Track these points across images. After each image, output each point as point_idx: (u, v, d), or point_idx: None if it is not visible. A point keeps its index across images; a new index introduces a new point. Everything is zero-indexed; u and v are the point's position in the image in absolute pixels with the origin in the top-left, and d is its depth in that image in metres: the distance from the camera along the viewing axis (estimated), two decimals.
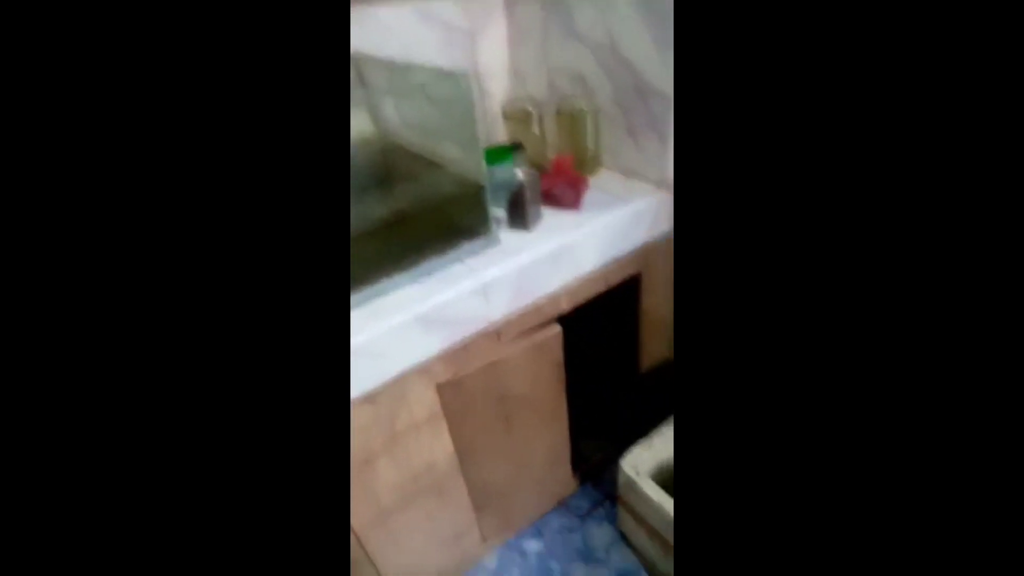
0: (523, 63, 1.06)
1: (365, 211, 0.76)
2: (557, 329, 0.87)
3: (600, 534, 1.12)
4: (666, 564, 0.94)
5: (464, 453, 0.88)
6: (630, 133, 0.91)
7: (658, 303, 1.03)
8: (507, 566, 1.09)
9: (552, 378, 0.93)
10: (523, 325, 0.83)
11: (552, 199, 0.87)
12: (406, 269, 0.75)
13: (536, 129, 0.95)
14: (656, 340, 1.09)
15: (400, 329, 0.70)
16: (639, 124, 0.89)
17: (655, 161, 0.89)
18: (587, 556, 1.09)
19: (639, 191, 0.91)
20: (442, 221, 0.81)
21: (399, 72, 0.81)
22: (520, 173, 0.79)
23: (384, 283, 0.73)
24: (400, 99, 0.88)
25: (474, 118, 0.70)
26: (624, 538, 1.09)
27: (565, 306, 0.87)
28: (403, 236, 0.77)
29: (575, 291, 0.87)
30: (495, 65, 1.07)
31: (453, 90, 0.71)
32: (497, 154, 0.83)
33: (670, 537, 0.87)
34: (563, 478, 1.13)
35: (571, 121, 0.93)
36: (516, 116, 0.95)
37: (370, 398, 0.72)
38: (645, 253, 0.94)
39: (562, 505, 1.18)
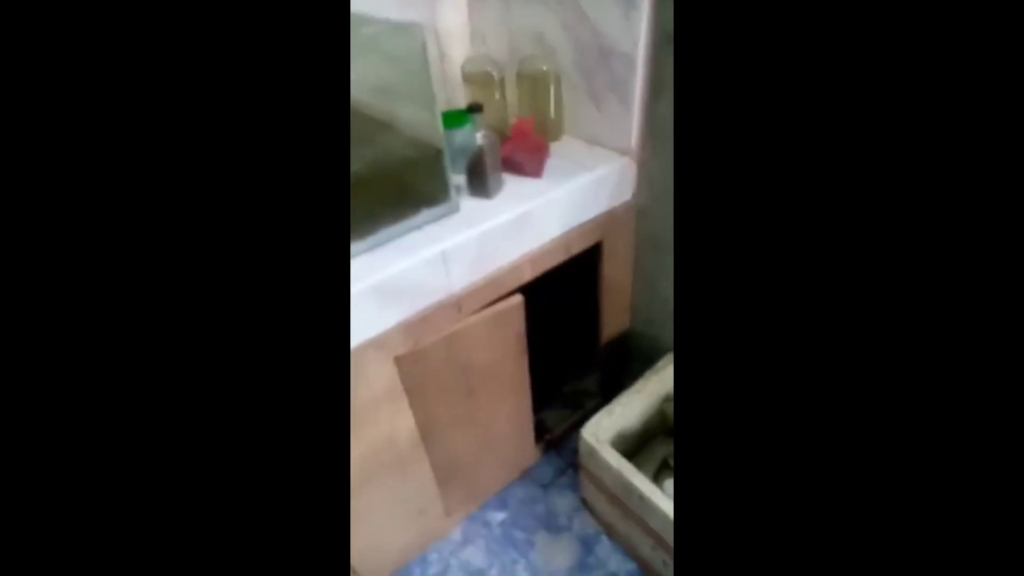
0: (483, 22, 1.01)
1: None
2: (519, 299, 0.86)
3: (563, 502, 1.14)
4: (626, 528, 0.96)
5: (426, 427, 0.86)
6: (592, 97, 0.89)
7: (619, 271, 1.03)
8: (472, 538, 1.09)
9: (514, 349, 0.92)
10: (484, 296, 0.81)
11: (514, 166, 0.84)
12: (361, 238, 0.71)
13: (497, 94, 0.91)
14: (617, 309, 1.10)
15: (355, 300, 0.67)
16: (601, 88, 0.87)
17: (617, 127, 0.88)
18: (550, 524, 1.10)
19: (602, 158, 0.89)
20: (399, 188, 0.77)
21: (350, 24, 0.75)
22: (480, 137, 0.75)
23: None
24: (353, 57, 0.82)
25: (429, 74, 0.66)
26: (586, 505, 1.11)
27: (527, 276, 0.86)
28: (358, 204, 0.73)
29: (537, 260, 0.85)
30: (455, 26, 1.02)
31: (407, 44, 0.67)
32: (455, 118, 0.79)
33: (629, 502, 0.89)
34: (526, 449, 1.14)
35: (532, 84, 0.90)
36: (477, 79, 0.91)
37: None
38: (607, 221, 0.93)
39: (525, 476, 1.19)
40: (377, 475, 0.84)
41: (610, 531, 1.05)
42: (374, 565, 0.98)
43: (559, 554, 1.05)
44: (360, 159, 0.74)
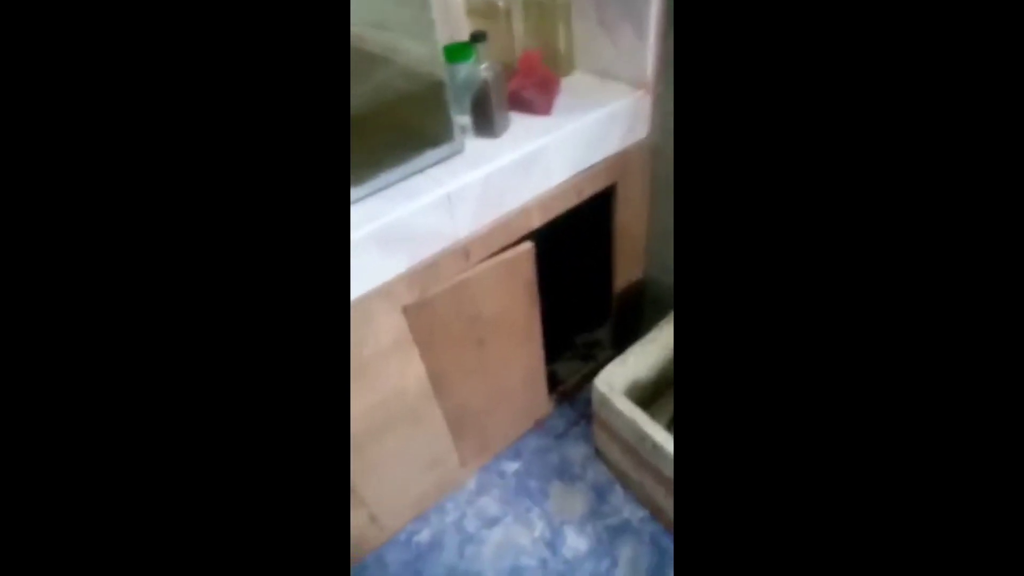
0: None
1: None
2: (528, 246, 0.82)
3: (576, 452, 1.14)
4: (638, 475, 0.96)
5: (437, 377, 0.85)
6: (604, 27, 0.82)
7: (633, 216, 0.99)
8: (487, 487, 1.10)
9: (524, 298, 0.89)
10: (492, 242, 0.78)
11: (521, 104, 0.79)
12: (362, 182, 0.68)
13: (503, 25, 0.85)
14: (631, 256, 1.06)
15: (357, 247, 0.64)
16: (614, 16, 0.80)
17: (631, 58, 0.82)
18: (563, 473, 1.11)
19: (615, 93, 0.83)
20: (401, 129, 0.73)
21: None
22: (484, 70, 0.70)
23: None
24: None
25: (427, 0, 0.61)
26: (599, 454, 1.11)
27: (536, 221, 0.82)
28: (358, 147, 0.69)
29: (546, 204, 0.82)
30: None
31: None
32: (458, 51, 0.73)
33: (642, 450, 0.89)
34: (539, 399, 1.13)
35: (540, 13, 0.84)
36: (480, 10, 0.85)
37: None
38: (621, 161, 0.88)
39: (538, 426, 1.19)
40: (390, 426, 0.84)
41: (623, 480, 1.06)
42: (392, 514, 0.99)
43: (573, 502, 1.06)
44: (359, 99, 0.70)
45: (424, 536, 1.05)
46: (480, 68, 0.71)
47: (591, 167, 0.84)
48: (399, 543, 1.04)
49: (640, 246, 1.07)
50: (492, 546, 1.02)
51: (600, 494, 1.07)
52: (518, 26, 0.88)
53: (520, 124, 0.78)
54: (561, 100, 0.82)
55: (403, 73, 0.72)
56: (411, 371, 0.81)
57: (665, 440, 0.82)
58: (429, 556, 1.02)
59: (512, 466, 1.13)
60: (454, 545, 1.03)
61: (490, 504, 1.08)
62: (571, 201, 0.85)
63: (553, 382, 1.15)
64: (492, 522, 1.05)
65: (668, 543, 0.98)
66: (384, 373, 0.77)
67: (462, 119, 0.76)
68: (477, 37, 0.69)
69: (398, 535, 1.05)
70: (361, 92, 0.71)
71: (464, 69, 0.74)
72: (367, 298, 0.69)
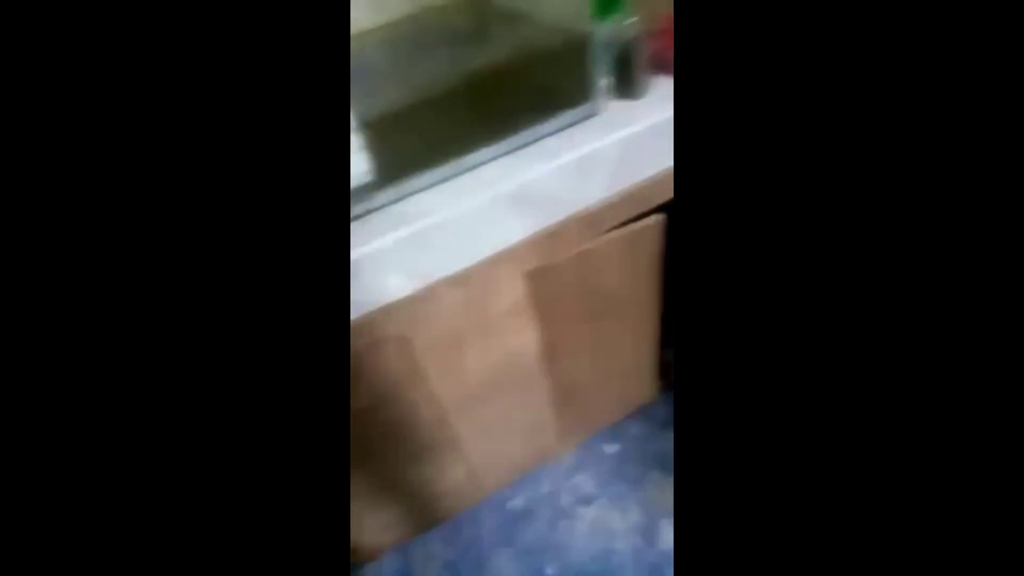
0: None
1: (451, 75, 0.69)
2: (658, 219, 0.78)
3: None
4: None
5: (549, 347, 0.84)
6: None
7: None
8: (584, 465, 1.09)
9: (646, 276, 0.85)
10: (622, 212, 0.75)
11: (665, 65, 0.73)
12: (495, 141, 0.67)
13: None
14: None
15: (489, 207, 0.64)
16: None
17: None
18: (664, 464, 1.06)
19: None
20: (538, 86, 0.72)
21: None
22: (631, 26, 0.66)
23: (472, 156, 0.66)
24: None
25: None
26: None
27: (671, 193, 0.77)
28: (493, 105, 0.69)
29: None
30: None
31: None
32: (609, 4, 0.69)
33: None
34: (645, 385, 1.09)
35: None
36: None
37: (460, 280, 0.68)
38: None
39: (641, 412, 1.14)
40: (499, 389, 0.85)
41: None
42: (490, 475, 1.02)
43: (672, 496, 1.01)
44: (496, 56, 0.70)
45: (518, 503, 1.06)
46: (626, 25, 0.67)
47: None
48: (492, 506, 1.06)
49: None
50: (586, 524, 1.01)
51: None
52: None
53: (662, 86, 0.73)
54: None
55: (544, 29, 0.70)
56: (526, 338, 0.80)
57: None
58: (521, 523, 1.03)
59: (611, 448, 1.11)
60: (547, 517, 1.03)
61: (586, 482, 1.07)
62: None
63: (663, 369, 1.10)
64: (586, 500, 1.04)
65: None
66: (501, 336, 0.77)
67: (601, 80, 0.73)
68: None
69: (492, 497, 1.07)
70: (498, 49, 0.70)
71: (609, 26, 0.70)
72: (494, 259, 0.69)
